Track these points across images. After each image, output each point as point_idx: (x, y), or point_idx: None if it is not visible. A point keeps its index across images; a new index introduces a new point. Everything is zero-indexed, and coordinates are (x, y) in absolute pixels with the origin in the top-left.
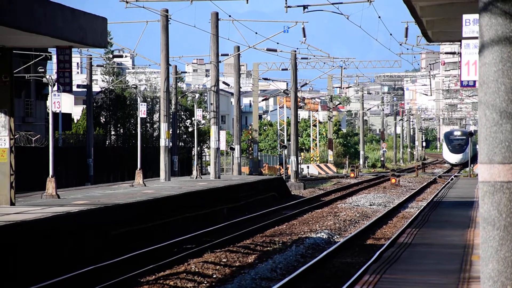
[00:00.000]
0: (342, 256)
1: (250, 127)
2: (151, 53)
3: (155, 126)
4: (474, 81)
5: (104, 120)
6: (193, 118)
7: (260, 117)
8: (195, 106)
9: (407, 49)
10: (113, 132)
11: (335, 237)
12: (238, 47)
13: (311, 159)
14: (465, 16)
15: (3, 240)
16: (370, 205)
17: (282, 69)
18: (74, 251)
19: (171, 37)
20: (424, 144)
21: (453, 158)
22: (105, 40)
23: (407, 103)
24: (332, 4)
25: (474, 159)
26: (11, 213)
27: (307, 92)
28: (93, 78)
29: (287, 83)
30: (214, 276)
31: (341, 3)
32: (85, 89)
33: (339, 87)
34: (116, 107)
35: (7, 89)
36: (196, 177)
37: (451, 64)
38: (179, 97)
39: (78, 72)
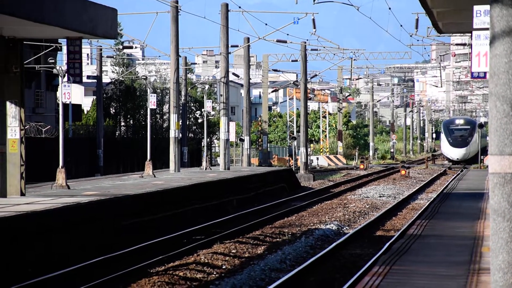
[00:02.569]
0: (352, 248)
1: (259, 118)
2: (161, 44)
3: (164, 117)
4: (485, 73)
5: (114, 111)
6: (202, 109)
7: (269, 108)
8: (205, 97)
9: (418, 40)
10: (123, 123)
11: (344, 228)
12: (248, 38)
13: (321, 150)
14: (476, 7)
15: (13, 230)
16: (380, 196)
17: (292, 61)
18: (84, 242)
19: (181, 28)
20: (434, 135)
21: (454, 153)
22: (115, 31)
23: (417, 95)
24: None
25: (484, 152)
26: (22, 203)
27: (317, 84)
28: (103, 69)
29: (296, 75)
30: (224, 267)
31: None
32: (95, 80)
33: (349, 79)
34: (126, 98)
35: (17, 80)
36: (206, 168)
37: (461, 55)
38: (189, 88)
39: (88, 63)
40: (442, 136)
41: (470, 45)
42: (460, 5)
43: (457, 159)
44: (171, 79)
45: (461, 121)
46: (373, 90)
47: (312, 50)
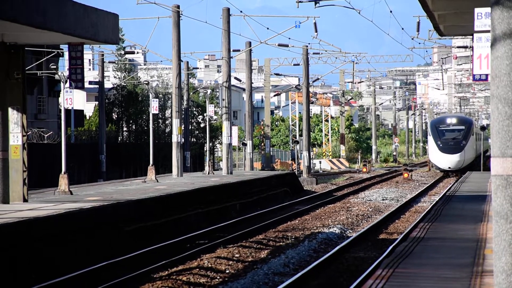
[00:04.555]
0: (355, 251)
1: (262, 122)
2: (163, 49)
3: (167, 122)
4: (486, 75)
5: (116, 116)
6: (205, 114)
7: (272, 112)
8: (207, 102)
9: (419, 43)
10: (125, 128)
11: (347, 232)
12: (250, 43)
13: (323, 154)
14: (477, 10)
15: (16, 236)
16: (383, 199)
17: (294, 65)
18: (87, 247)
19: (183, 33)
20: None
21: (445, 160)
22: (116, 37)
23: (419, 98)
24: None
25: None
26: (24, 209)
27: (319, 87)
28: (105, 75)
29: (299, 78)
30: (227, 271)
31: None
32: (97, 86)
33: (351, 82)
34: (128, 104)
35: (19, 86)
36: (209, 173)
37: (463, 58)
38: (191, 93)
39: (90, 69)
40: (430, 139)
41: (472, 48)
42: (461, 7)
43: (449, 168)
44: (173, 84)
45: (454, 120)
46: (375, 93)
47: (314, 53)
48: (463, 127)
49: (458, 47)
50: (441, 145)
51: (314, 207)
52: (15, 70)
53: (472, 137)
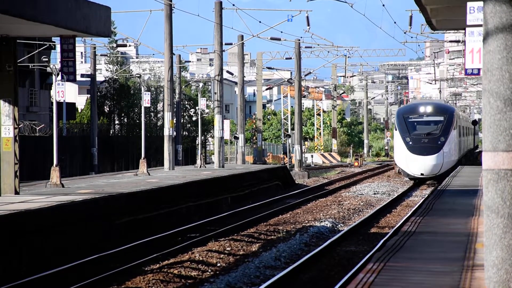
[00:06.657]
0: (346, 245)
1: (254, 116)
2: (155, 42)
3: (159, 115)
4: (479, 69)
5: (108, 109)
6: (197, 107)
7: (264, 106)
8: (199, 95)
9: (411, 37)
10: (117, 122)
11: (339, 225)
12: (242, 36)
13: (315, 148)
14: (470, 4)
15: (7, 229)
16: (374, 193)
17: (286, 58)
18: (78, 240)
19: (175, 26)
20: None
21: (416, 165)
22: (108, 29)
23: (411, 92)
24: None
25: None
26: (16, 202)
27: (311, 81)
28: (97, 68)
29: (291, 72)
30: (218, 264)
31: None
32: (89, 79)
33: (343, 76)
34: (120, 97)
35: (11, 78)
36: (200, 166)
37: (455, 52)
38: (183, 86)
39: (82, 62)
40: (396, 134)
41: (464, 42)
42: (453, 2)
43: (421, 175)
44: (165, 77)
45: (429, 109)
46: (367, 87)
47: (306, 47)
48: (441, 118)
49: (451, 41)
50: (410, 143)
51: (305, 201)
52: (7, 63)
53: (454, 132)
